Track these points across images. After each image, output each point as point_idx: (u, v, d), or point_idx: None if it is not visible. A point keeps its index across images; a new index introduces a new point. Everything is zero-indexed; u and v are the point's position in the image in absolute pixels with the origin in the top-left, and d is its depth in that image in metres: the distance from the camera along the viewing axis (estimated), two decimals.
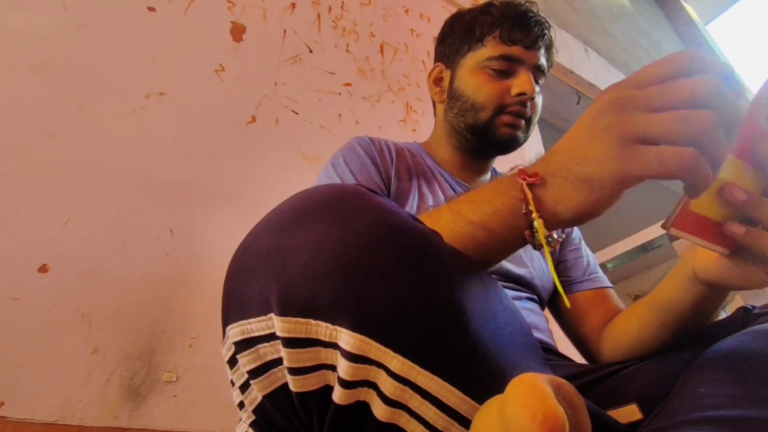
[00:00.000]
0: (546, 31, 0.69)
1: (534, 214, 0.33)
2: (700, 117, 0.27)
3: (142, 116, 0.94)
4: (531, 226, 0.34)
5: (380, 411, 0.27)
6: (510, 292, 0.64)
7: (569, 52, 2.16)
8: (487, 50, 0.68)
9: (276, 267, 0.28)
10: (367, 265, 0.27)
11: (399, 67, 1.47)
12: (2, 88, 0.82)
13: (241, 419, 0.35)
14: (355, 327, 0.26)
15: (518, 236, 0.35)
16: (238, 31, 1.16)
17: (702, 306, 0.44)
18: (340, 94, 1.28)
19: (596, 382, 0.51)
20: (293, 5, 1.30)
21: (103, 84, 0.92)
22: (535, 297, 0.68)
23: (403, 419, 0.28)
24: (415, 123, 1.41)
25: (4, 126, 0.79)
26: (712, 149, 0.27)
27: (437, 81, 0.77)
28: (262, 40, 1.20)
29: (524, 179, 0.34)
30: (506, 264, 0.65)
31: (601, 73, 2.31)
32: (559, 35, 2.27)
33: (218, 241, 0.91)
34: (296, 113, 1.16)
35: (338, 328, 0.27)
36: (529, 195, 0.33)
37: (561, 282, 0.72)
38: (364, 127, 1.27)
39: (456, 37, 0.74)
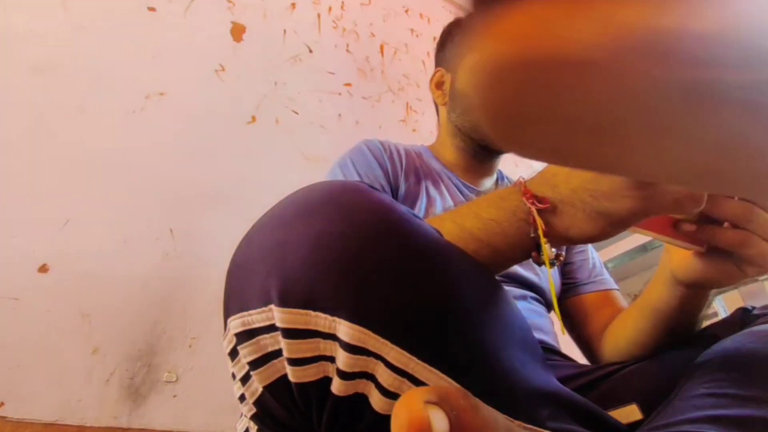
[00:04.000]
0: None
1: (542, 240, 0.34)
2: None
3: (142, 116, 0.94)
4: (538, 248, 0.35)
5: (378, 403, 0.28)
6: (515, 291, 0.64)
7: None
8: None
9: (276, 260, 0.29)
10: (366, 258, 0.28)
11: (399, 67, 1.47)
12: (2, 88, 0.82)
13: (242, 414, 0.35)
14: (354, 318, 0.27)
15: (522, 254, 0.37)
16: (238, 31, 1.16)
17: (687, 306, 0.45)
18: (340, 94, 1.28)
19: (596, 382, 0.51)
20: (293, 5, 1.30)
21: (103, 84, 0.92)
22: (540, 299, 0.68)
23: None
24: (415, 123, 1.41)
25: (4, 126, 0.79)
26: None
27: (439, 85, 0.79)
28: (262, 40, 1.20)
29: (533, 204, 0.34)
30: (514, 266, 0.66)
31: None
32: None
33: (218, 241, 0.91)
34: (296, 113, 1.16)
35: (337, 319, 0.27)
36: (540, 222, 0.34)
37: (567, 284, 0.73)
38: (364, 127, 1.27)
39: (455, 41, 0.76)
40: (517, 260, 0.38)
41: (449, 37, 0.79)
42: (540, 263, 0.35)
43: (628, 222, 0.32)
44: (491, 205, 0.38)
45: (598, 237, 0.34)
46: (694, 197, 0.30)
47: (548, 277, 0.40)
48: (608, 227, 0.33)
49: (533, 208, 0.34)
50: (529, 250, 0.36)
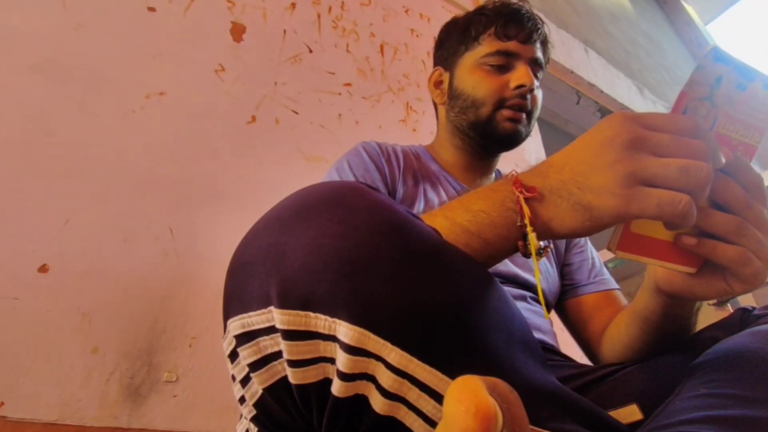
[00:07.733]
0: (539, 26, 0.71)
1: (528, 228, 0.34)
2: (702, 169, 0.30)
3: (142, 116, 0.94)
4: (524, 237, 0.35)
5: (379, 404, 0.28)
6: (514, 292, 0.64)
7: (569, 52, 2.16)
8: (484, 48, 0.70)
9: (276, 262, 0.29)
10: (365, 259, 0.28)
11: (399, 67, 1.47)
12: (2, 88, 0.82)
13: (241, 415, 0.35)
14: (354, 320, 0.26)
15: (511, 246, 0.37)
16: (238, 31, 1.16)
17: (673, 315, 0.45)
18: (340, 94, 1.28)
19: (596, 382, 0.51)
20: (293, 5, 1.30)
21: (103, 84, 0.92)
22: (539, 299, 0.68)
23: (402, 412, 0.28)
24: (415, 123, 1.41)
25: (4, 126, 0.79)
26: (701, 198, 0.31)
27: (437, 84, 0.79)
28: (262, 40, 1.20)
29: (521, 192, 0.34)
30: (513, 267, 0.66)
31: (601, 73, 2.31)
32: (559, 35, 2.27)
33: (218, 240, 0.91)
34: (296, 113, 1.16)
35: (337, 320, 0.27)
36: (526, 210, 0.34)
37: (567, 285, 0.73)
38: (364, 127, 1.27)
39: (453, 40, 0.76)
40: (507, 252, 0.37)
41: (447, 36, 0.78)
42: (527, 255, 0.35)
43: (609, 220, 0.32)
44: (481, 197, 0.38)
45: (578, 231, 0.34)
46: (674, 205, 0.29)
47: (534, 268, 0.40)
48: (588, 222, 0.33)
49: (520, 197, 0.34)
50: (515, 240, 0.36)
